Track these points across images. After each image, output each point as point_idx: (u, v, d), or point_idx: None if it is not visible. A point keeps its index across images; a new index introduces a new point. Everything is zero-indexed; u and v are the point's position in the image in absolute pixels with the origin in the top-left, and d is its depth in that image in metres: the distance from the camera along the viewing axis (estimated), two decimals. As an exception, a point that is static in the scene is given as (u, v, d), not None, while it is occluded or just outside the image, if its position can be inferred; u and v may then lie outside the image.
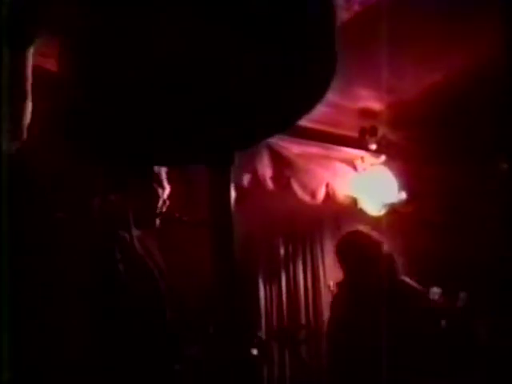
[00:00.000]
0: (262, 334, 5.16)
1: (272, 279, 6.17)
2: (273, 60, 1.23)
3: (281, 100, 1.29)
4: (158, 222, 3.07)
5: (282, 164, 5.42)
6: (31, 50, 1.88)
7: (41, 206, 3.04)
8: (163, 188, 3.07)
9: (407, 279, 4.43)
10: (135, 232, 2.95)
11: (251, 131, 1.36)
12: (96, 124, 1.31)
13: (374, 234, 4.56)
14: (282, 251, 6.27)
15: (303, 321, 6.08)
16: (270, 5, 1.20)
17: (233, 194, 1.36)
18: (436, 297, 6.49)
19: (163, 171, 3.07)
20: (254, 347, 3.41)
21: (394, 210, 6.00)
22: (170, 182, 3.11)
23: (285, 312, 6.07)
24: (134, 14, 1.17)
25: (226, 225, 1.33)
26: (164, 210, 3.09)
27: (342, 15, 4.18)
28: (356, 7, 4.32)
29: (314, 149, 5.63)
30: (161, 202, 3.06)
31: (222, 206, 1.34)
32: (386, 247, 4.52)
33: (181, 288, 3.09)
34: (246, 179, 5.07)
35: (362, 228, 4.66)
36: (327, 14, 1.31)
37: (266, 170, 5.29)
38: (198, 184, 3.88)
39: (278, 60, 1.23)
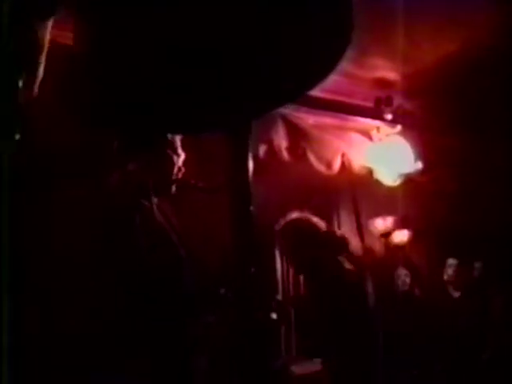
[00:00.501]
0: (280, 296, 5.21)
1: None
2: (287, 29, 1.25)
3: (296, 67, 1.32)
4: (173, 188, 3.11)
5: (298, 135, 5.43)
6: (50, 21, 1.91)
7: (59, 184, 3.10)
8: (178, 155, 3.10)
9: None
10: (154, 200, 3.00)
11: (267, 98, 1.39)
12: (114, 93, 1.35)
13: (315, 220, 4.72)
14: (298, 222, 6.29)
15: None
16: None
17: (250, 164, 1.39)
18: (452, 268, 6.53)
19: (177, 139, 3.10)
20: (273, 311, 3.45)
21: (409, 179, 5.99)
22: (184, 150, 3.14)
23: (301, 282, 6.11)
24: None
25: (244, 191, 1.36)
26: (179, 176, 3.12)
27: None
28: (371, -24, 4.30)
29: (329, 119, 5.63)
30: (176, 169, 3.10)
31: (241, 174, 1.36)
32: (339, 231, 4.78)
33: (199, 253, 3.13)
34: (261, 150, 5.08)
35: (304, 215, 4.81)
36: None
37: (281, 140, 5.30)
38: (212, 151, 3.93)
39: (293, 29, 1.25)
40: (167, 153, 3.07)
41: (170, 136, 3.06)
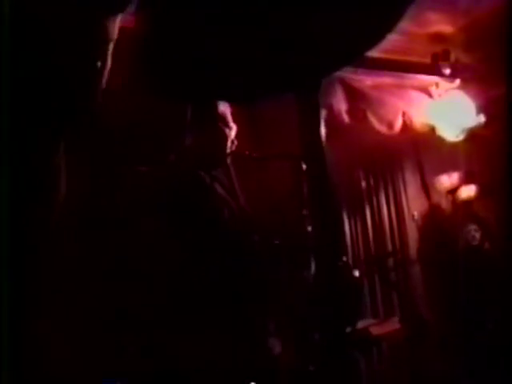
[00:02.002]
0: (348, 258, 5.25)
1: (356, 212, 6.24)
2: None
3: (355, 29, 1.35)
4: (229, 161, 3.17)
5: (357, 97, 5.43)
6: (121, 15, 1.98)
7: (122, 160, 3.18)
8: (230, 128, 3.16)
9: None
10: (213, 172, 3.07)
11: (331, 58, 1.42)
12: (180, 64, 1.40)
13: None
14: (363, 184, 6.32)
15: (390, 249, 6.14)
16: None
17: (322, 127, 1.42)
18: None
19: (228, 112, 3.16)
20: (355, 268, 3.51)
21: (472, 134, 5.93)
22: (235, 122, 3.19)
23: (371, 243, 6.15)
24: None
25: (319, 156, 1.38)
26: (233, 149, 3.18)
27: None
28: None
29: (387, 79, 5.60)
30: (229, 142, 3.16)
31: (315, 138, 1.39)
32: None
33: (265, 224, 3.19)
34: (322, 115, 5.09)
35: None
36: None
37: (341, 104, 5.31)
38: (264, 120, 3.96)
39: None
40: (219, 126, 3.13)
41: (220, 110, 3.12)
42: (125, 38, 1.94)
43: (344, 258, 3.88)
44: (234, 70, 1.40)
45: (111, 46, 2.08)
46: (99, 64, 2.05)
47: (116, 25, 2.05)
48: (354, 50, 1.44)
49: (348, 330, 3.35)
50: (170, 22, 1.30)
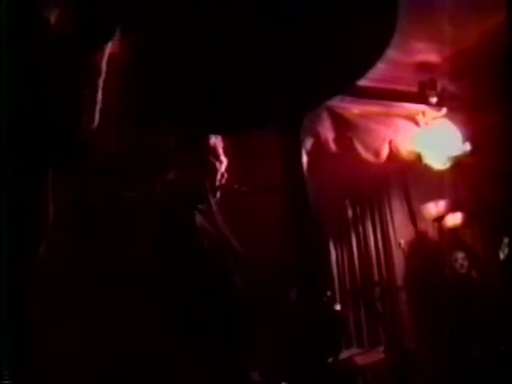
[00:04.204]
0: (331, 292, 5.22)
1: (342, 241, 6.21)
2: (332, 23, 1.26)
3: (341, 60, 1.33)
4: (218, 194, 3.15)
5: (344, 125, 5.43)
6: (108, 46, 1.95)
7: (114, 185, 3.15)
8: (220, 161, 3.14)
9: None
10: (200, 206, 3.04)
11: (316, 92, 1.40)
12: (168, 97, 1.37)
13: None
14: (350, 213, 6.30)
15: (376, 279, 6.11)
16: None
17: (304, 157, 1.40)
18: (506, 247, 6.44)
19: (219, 145, 3.14)
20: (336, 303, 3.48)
21: (459, 162, 5.93)
22: (226, 156, 3.17)
23: (357, 272, 6.11)
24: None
25: (300, 189, 1.36)
26: (223, 182, 3.16)
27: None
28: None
29: (374, 107, 5.61)
30: (219, 176, 3.14)
31: (296, 170, 1.37)
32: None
33: (252, 257, 3.16)
34: (309, 143, 5.09)
35: None
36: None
37: (328, 132, 5.31)
38: (254, 154, 3.94)
39: (338, 23, 1.26)
40: (209, 159, 3.11)
41: (212, 142, 3.10)
42: (113, 68, 1.92)
43: (328, 293, 3.86)
44: (217, 101, 1.37)
45: (101, 79, 2.06)
46: (89, 96, 2.03)
47: (104, 56, 2.03)
48: (336, 85, 1.42)
49: (329, 361, 3.29)
50: (154, 54, 1.29)
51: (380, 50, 1.36)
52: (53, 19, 1.95)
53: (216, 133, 2.87)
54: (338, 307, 3.52)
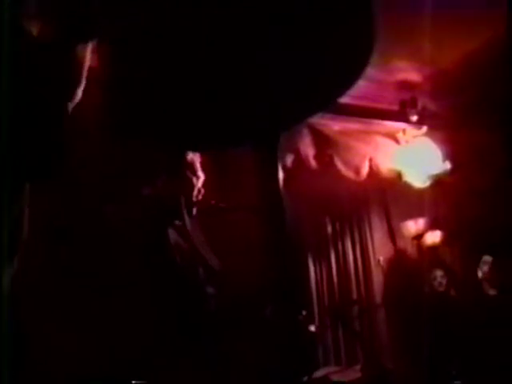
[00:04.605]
0: (306, 311, 5.20)
1: (321, 258, 6.19)
2: (311, 43, 1.25)
3: (321, 79, 1.32)
4: (194, 210, 3.13)
5: (324, 142, 5.43)
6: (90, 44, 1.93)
7: (91, 199, 3.12)
8: (197, 177, 3.12)
9: None
10: (176, 222, 3.02)
11: (294, 111, 1.38)
12: (145, 112, 1.35)
13: None
14: (329, 229, 6.28)
15: (355, 297, 6.09)
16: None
17: (280, 174, 1.38)
18: (488, 265, 6.45)
19: (197, 161, 3.12)
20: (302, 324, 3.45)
21: (439, 180, 5.95)
22: (204, 171, 3.15)
23: (336, 289, 6.09)
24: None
25: (276, 206, 1.35)
26: (199, 198, 3.14)
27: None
28: (389, -23, 4.29)
29: (354, 125, 5.62)
30: (196, 191, 3.12)
31: (271, 188, 1.36)
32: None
33: (227, 273, 3.14)
34: (289, 160, 5.09)
35: None
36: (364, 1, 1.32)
37: (308, 149, 5.31)
38: (232, 170, 3.93)
39: (317, 43, 1.25)
40: (186, 174, 3.09)
41: (189, 158, 3.08)
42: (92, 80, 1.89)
43: (304, 312, 3.83)
44: (194, 119, 1.36)
45: (80, 89, 2.03)
46: (70, 100, 1.99)
47: (85, 65, 2.00)
48: (313, 104, 1.41)
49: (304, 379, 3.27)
50: (132, 68, 1.27)
51: (358, 70, 1.35)
52: (34, 30, 1.93)
53: (192, 150, 2.86)
54: (312, 328, 3.48)
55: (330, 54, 1.29)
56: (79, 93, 2.00)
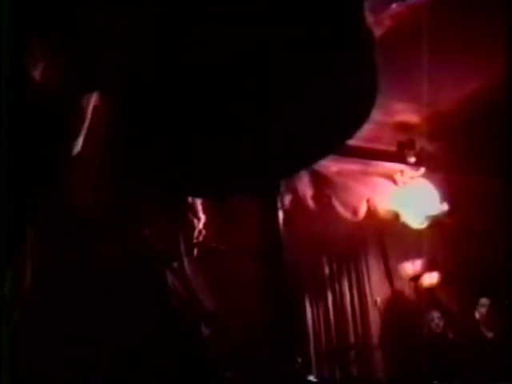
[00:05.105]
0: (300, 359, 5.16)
1: (318, 298, 6.16)
2: (315, 95, 1.25)
3: (324, 128, 1.31)
4: (195, 251, 3.11)
5: (322, 182, 5.43)
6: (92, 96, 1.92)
7: (85, 239, 3.09)
8: (199, 218, 3.11)
9: None
10: (174, 263, 3.00)
11: (298, 158, 1.38)
12: (148, 159, 1.34)
13: None
14: (326, 270, 6.26)
15: (352, 340, 6.05)
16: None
17: (281, 215, 1.38)
18: (485, 307, 6.43)
19: (198, 202, 3.12)
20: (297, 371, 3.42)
21: (436, 221, 5.94)
22: (205, 212, 3.14)
23: (333, 330, 6.05)
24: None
25: (275, 251, 1.35)
26: (200, 239, 3.13)
27: (375, 31, 4.18)
28: (387, 22, 4.33)
29: (352, 165, 5.63)
30: (197, 233, 3.11)
31: (271, 233, 1.36)
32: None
33: (224, 315, 3.12)
34: (287, 200, 5.08)
35: None
36: (367, 46, 1.32)
37: (306, 189, 5.31)
38: (234, 213, 3.93)
39: (320, 95, 1.25)
40: (187, 216, 3.08)
41: (190, 199, 3.08)
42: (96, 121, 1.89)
43: (299, 360, 3.80)
44: (196, 166, 1.35)
45: (84, 128, 2.03)
46: (73, 143, 1.99)
47: (89, 108, 2.00)
48: (313, 154, 1.41)
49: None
50: (135, 113, 1.27)
51: (357, 124, 1.35)
52: (37, 75, 1.93)
53: (194, 196, 2.86)
54: (311, 378, 3.45)
55: (337, 101, 1.29)
56: (80, 141, 2.00)
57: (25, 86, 1.86)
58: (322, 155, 1.51)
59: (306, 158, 1.45)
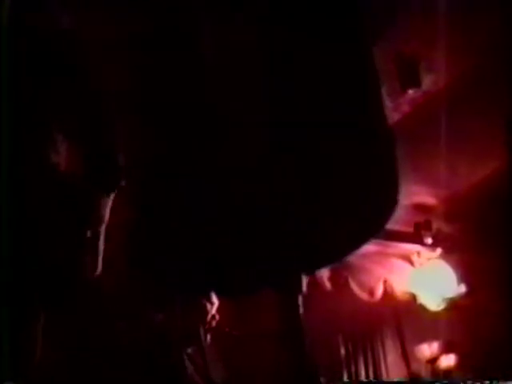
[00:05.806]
0: None
1: (334, 379, 6.07)
2: (331, 192, 1.28)
3: (341, 229, 1.33)
4: (208, 337, 3.09)
5: (339, 264, 5.42)
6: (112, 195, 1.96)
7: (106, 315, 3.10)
8: (212, 303, 3.11)
9: None
10: (190, 348, 2.98)
11: (316, 258, 1.40)
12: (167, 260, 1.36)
13: None
14: (342, 350, 6.19)
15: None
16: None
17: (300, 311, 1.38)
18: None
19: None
20: None
21: (453, 303, 5.90)
22: (218, 297, 3.14)
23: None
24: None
25: (295, 336, 1.35)
26: (213, 324, 3.11)
27: (392, 116, 4.26)
28: (405, 108, 4.41)
29: (369, 246, 5.60)
30: (210, 317, 3.09)
31: (292, 319, 1.36)
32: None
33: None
34: (304, 283, 5.07)
35: None
36: (389, 151, 1.36)
37: (323, 270, 5.30)
38: (247, 298, 3.92)
39: (337, 192, 1.28)
40: (200, 301, 3.08)
41: None
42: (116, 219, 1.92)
43: None
44: (217, 265, 1.37)
45: (103, 228, 2.05)
46: (91, 242, 2.01)
47: (108, 204, 2.03)
48: (338, 251, 1.43)
49: None
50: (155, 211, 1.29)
51: (380, 222, 1.37)
52: (62, 164, 1.97)
53: (216, 294, 2.86)
54: None
55: (352, 204, 1.31)
56: (102, 229, 2.03)
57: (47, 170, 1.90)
58: (348, 251, 1.53)
59: (335, 254, 1.47)
